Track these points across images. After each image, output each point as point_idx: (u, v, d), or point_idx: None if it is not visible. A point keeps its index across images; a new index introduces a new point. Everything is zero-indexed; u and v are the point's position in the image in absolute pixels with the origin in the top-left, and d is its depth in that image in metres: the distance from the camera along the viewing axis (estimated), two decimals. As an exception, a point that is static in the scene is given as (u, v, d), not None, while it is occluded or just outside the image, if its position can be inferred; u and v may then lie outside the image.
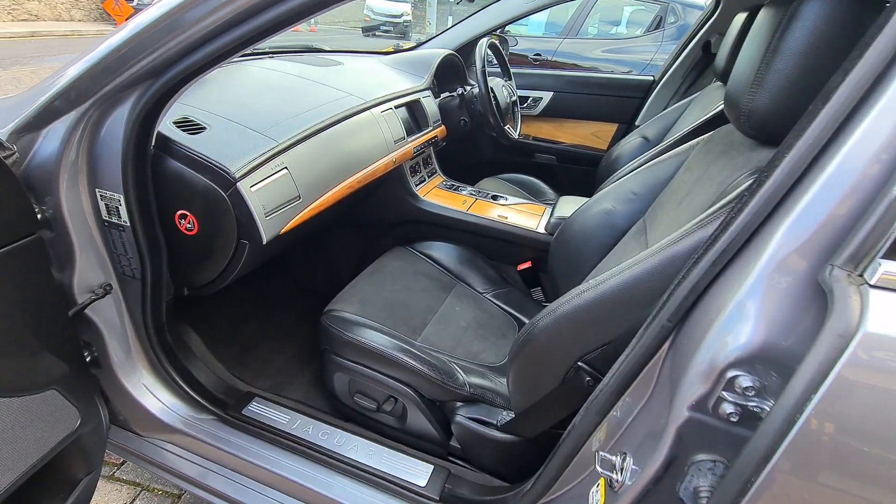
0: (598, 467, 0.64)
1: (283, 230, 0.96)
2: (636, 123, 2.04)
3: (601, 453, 0.65)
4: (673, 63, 2.01)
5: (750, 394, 0.48)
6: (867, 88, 0.43)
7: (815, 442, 0.43)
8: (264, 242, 0.90)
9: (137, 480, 1.30)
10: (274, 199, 0.93)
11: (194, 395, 1.09)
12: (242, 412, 1.10)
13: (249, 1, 0.68)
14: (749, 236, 0.50)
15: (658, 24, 4.16)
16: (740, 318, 0.49)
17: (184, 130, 0.91)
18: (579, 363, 0.76)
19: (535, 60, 4.51)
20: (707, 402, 0.51)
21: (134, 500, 1.26)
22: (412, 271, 1.35)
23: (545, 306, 1.45)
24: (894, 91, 0.42)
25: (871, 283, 0.41)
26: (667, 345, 0.58)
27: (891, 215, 0.40)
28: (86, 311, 0.96)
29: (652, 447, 0.57)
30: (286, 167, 0.96)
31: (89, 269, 0.93)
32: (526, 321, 1.33)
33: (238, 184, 0.86)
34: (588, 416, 0.68)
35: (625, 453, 0.62)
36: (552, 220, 1.42)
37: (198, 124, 0.93)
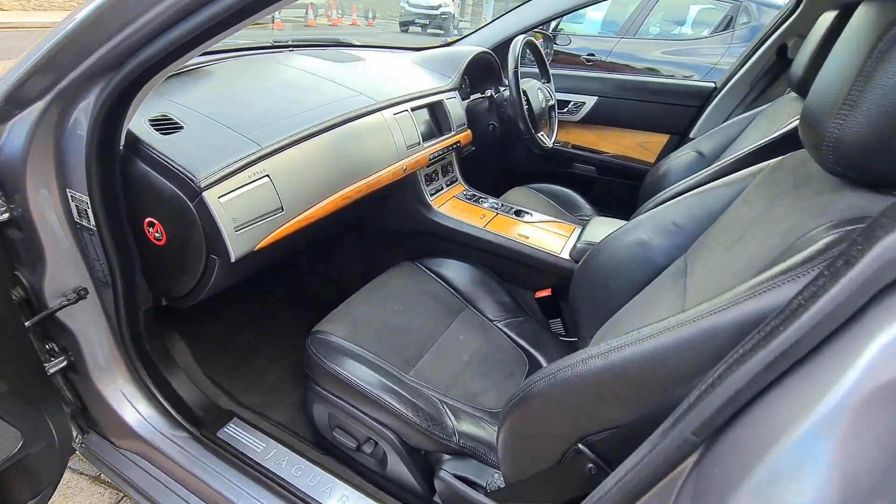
0: None
1: (259, 246, 0.85)
2: (690, 136, 1.80)
3: None
4: (740, 68, 1.75)
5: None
6: None
7: None
8: (233, 260, 0.80)
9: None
10: (249, 211, 0.82)
11: (169, 409, 1.02)
12: (217, 433, 1.02)
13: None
14: (833, 331, 0.33)
15: (728, 24, 3.79)
16: (802, 462, 0.32)
17: (158, 129, 0.82)
18: (580, 445, 0.60)
19: (589, 61, 4.25)
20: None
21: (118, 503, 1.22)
22: (417, 290, 1.22)
23: (563, 341, 1.28)
24: None
25: None
26: (691, 461, 0.42)
27: None
28: (60, 315, 0.91)
29: None
30: (268, 175, 0.85)
31: (62, 272, 0.87)
32: (539, 358, 1.17)
33: (204, 193, 0.76)
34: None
35: None
36: (578, 246, 1.25)
37: (175, 122, 0.85)
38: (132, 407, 1.01)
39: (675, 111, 1.89)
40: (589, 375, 0.57)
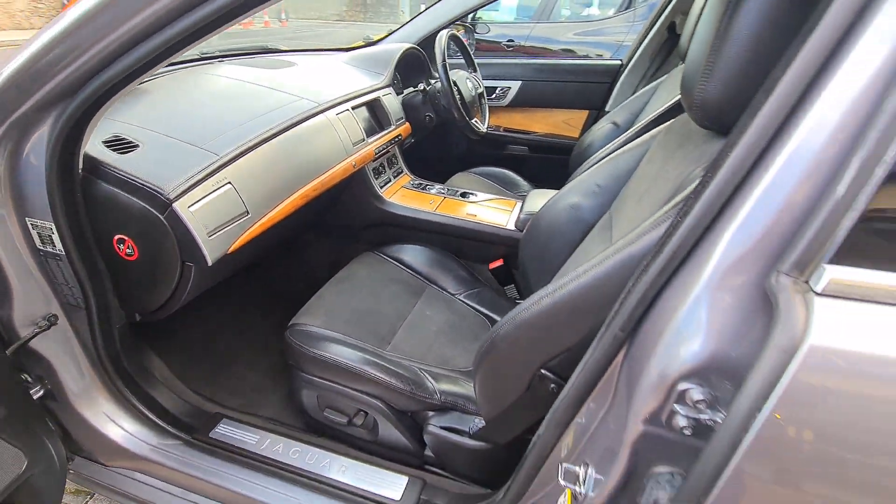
0: (560, 480, 0.61)
1: (232, 248, 0.91)
2: (606, 109, 2.00)
3: (564, 465, 0.62)
4: (640, 45, 1.98)
5: (702, 406, 0.46)
6: (810, 81, 0.40)
7: (765, 453, 0.40)
8: (210, 264, 0.86)
9: (110, 510, 1.26)
10: (218, 217, 0.88)
11: (158, 421, 1.05)
12: (210, 434, 1.06)
13: (164, 6, 0.63)
14: (695, 241, 0.47)
15: (629, 3, 4.12)
16: (689, 329, 0.46)
17: (114, 150, 0.85)
18: (542, 370, 0.73)
19: (509, 47, 4.44)
20: (660, 415, 0.49)
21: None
22: (381, 277, 1.31)
23: (518, 304, 1.43)
24: (838, 83, 0.38)
25: (817, 290, 0.38)
26: (621, 355, 0.55)
27: (836, 217, 0.38)
28: (33, 344, 0.91)
29: (611, 459, 0.55)
30: (229, 182, 0.91)
31: (30, 301, 0.88)
32: (500, 320, 1.31)
33: (174, 204, 0.81)
34: (551, 425, 0.66)
35: (587, 464, 0.60)
36: (521, 216, 1.39)
37: (130, 142, 0.88)
38: (117, 426, 1.03)
39: (590, 88, 2.09)
40: (542, 312, 0.70)
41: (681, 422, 0.47)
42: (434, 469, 1.03)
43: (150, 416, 1.04)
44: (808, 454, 0.41)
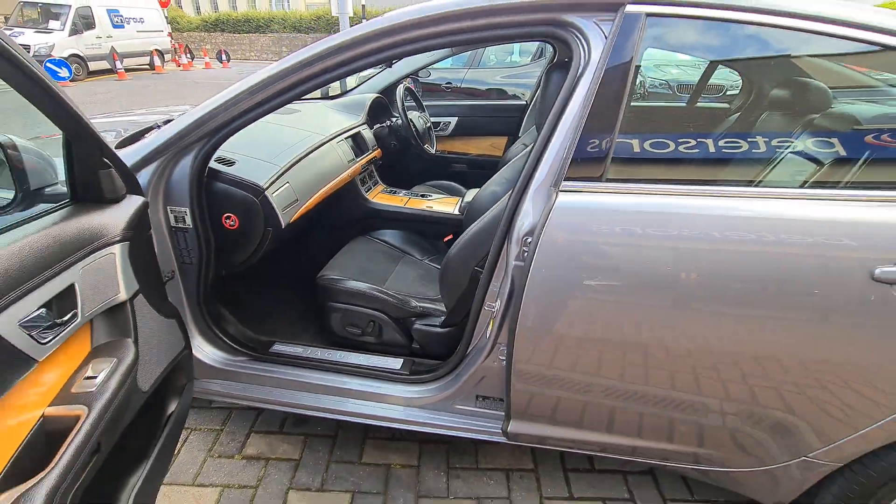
0: (485, 307, 1.27)
1: (291, 220, 1.52)
2: (519, 135, 2.79)
3: (486, 304, 1.29)
4: (536, 91, 2.80)
5: (526, 242, 1.14)
6: (556, 117, 1.11)
7: (540, 279, 1.08)
8: (283, 227, 1.46)
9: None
10: (283, 201, 1.49)
11: (233, 345, 1.59)
12: (269, 351, 1.62)
13: (275, 88, 1.26)
14: (529, 175, 1.16)
15: (540, 53, 5.12)
16: (527, 213, 1.15)
17: (222, 164, 1.45)
18: (475, 268, 1.40)
19: (447, 88, 5.29)
20: (519, 256, 1.16)
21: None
22: (372, 250, 1.94)
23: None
24: (568, 114, 1.10)
25: (559, 189, 1.08)
26: (507, 239, 1.23)
27: (560, 160, 1.08)
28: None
29: (505, 289, 1.22)
30: (288, 181, 1.53)
31: (163, 260, 1.43)
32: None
33: (265, 192, 1.42)
34: (479, 291, 1.32)
35: (494, 300, 1.26)
36: (462, 204, 2.09)
37: (229, 159, 1.48)
38: (203, 350, 1.57)
39: (508, 120, 2.88)
40: (472, 237, 1.37)
41: (519, 254, 1.15)
42: (418, 357, 1.65)
43: (227, 342, 1.59)
44: (556, 277, 1.09)
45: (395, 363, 1.56)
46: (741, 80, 1.35)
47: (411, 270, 1.88)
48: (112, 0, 14.68)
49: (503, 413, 1.36)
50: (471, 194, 2.17)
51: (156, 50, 16.83)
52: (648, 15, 1.02)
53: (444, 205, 2.18)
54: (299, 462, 1.65)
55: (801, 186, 1.02)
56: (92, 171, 0.93)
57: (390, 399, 1.47)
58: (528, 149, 2.04)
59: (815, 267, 0.96)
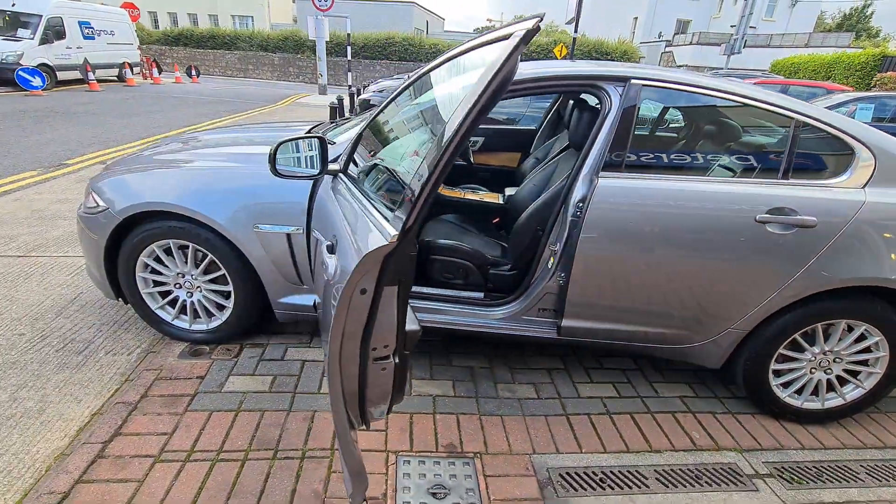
0: (549, 247, 2.14)
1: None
2: (531, 151, 3.72)
3: (549, 247, 2.15)
4: (544, 121, 3.76)
5: (573, 208, 2.01)
6: (595, 135, 2.01)
7: (589, 226, 1.96)
8: None
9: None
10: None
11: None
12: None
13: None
14: (579, 168, 2.05)
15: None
16: (579, 189, 2.02)
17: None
18: (537, 228, 2.26)
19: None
20: (574, 213, 2.03)
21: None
22: (447, 226, 2.76)
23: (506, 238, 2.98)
24: (601, 136, 2.00)
25: (599, 176, 1.96)
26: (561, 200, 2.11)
27: (598, 160, 1.97)
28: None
29: (561, 231, 2.09)
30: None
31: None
32: (504, 245, 2.82)
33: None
34: (542, 244, 2.18)
35: (554, 243, 2.13)
36: (505, 196, 2.96)
37: None
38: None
39: (521, 141, 3.81)
40: (533, 210, 2.25)
41: (574, 212, 2.03)
42: (491, 291, 2.47)
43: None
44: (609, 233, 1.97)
45: (478, 294, 2.38)
46: (686, 120, 2.33)
47: (475, 238, 2.72)
48: (84, 12, 14.85)
49: (555, 322, 2.20)
50: (508, 190, 3.05)
51: (127, 63, 16.91)
52: (643, 85, 1.95)
53: (489, 197, 3.04)
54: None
55: (723, 175, 1.97)
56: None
57: (481, 316, 2.28)
58: (551, 160, 2.96)
59: (729, 216, 1.90)
